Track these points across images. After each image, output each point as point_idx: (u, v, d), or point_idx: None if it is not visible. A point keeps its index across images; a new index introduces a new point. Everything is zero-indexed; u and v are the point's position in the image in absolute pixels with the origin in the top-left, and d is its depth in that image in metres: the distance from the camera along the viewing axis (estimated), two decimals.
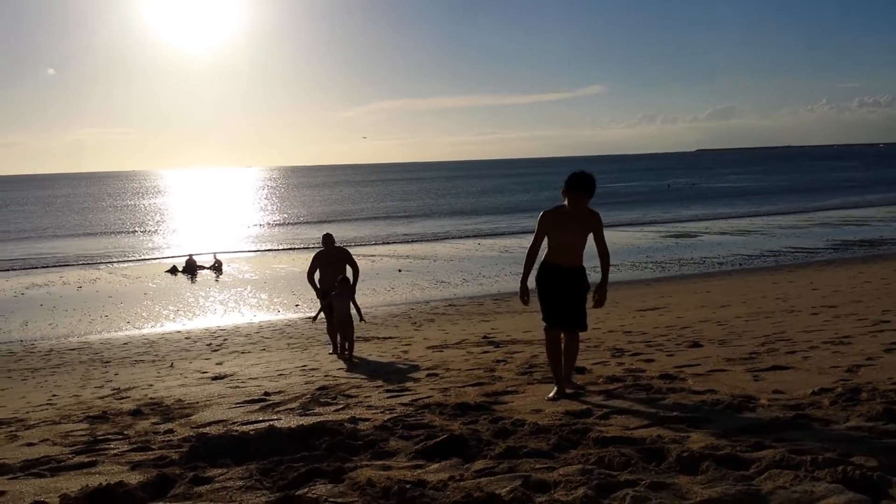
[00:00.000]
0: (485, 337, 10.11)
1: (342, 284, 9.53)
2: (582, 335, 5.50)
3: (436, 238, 34.75)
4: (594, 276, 5.12)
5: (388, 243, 33.15)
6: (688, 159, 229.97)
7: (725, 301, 12.53)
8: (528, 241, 5.57)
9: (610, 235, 5.46)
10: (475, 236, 34.61)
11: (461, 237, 34.63)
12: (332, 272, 10.17)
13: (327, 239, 10.58)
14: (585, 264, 5.42)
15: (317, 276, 10.33)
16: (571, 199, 5.23)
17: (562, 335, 5.44)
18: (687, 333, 8.50)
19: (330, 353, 9.80)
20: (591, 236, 5.38)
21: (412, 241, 33.52)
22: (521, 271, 5.52)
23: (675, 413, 4.12)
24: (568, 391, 5.28)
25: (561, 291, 5.36)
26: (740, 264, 21.08)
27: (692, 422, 3.88)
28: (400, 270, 23.13)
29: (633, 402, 4.62)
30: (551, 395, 5.25)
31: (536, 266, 5.48)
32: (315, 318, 10.56)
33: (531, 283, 5.48)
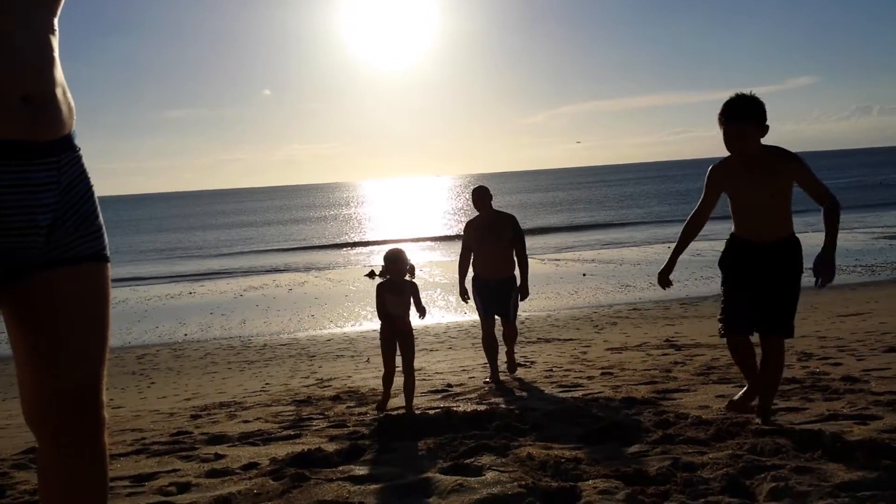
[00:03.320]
0: (667, 340, 10.02)
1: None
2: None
3: (623, 243, 34.24)
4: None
5: (572, 248, 33.15)
6: None
7: None
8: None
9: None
10: (664, 241, 33.69)
11: (650, 242, 33.85)
12: (490, 249, 6.77)
13: (480, 196, 6.91)
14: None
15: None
16: (732, 136, 3.77)
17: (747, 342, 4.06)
18: (887, 339, 7.99)
19: (487, 382, 6.84)
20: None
21: (598, 247, 33.28)
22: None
23: (844, 410, 4.06)
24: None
25: (756, 278, 3.92)
26: None
27: (860, 418, 3.83)
28: (584, 274, 23.12)
29: (805, 401, 4.57)
30: (737, 397, 4.21)
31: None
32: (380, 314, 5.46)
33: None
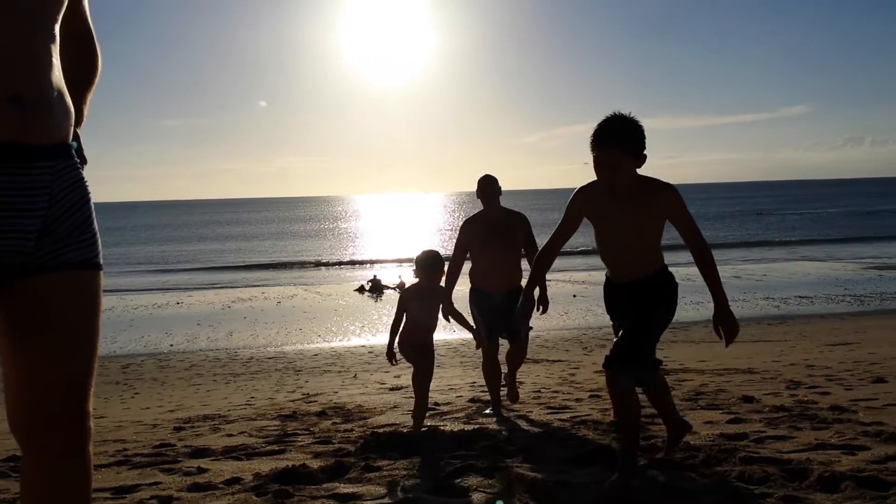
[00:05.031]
0: None
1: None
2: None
3: None
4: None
5: (563, 269, 33.17)
6: None
7: None
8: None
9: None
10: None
11: None
12: (497, 254, 5.61)
13: (487, 185, 5.69)
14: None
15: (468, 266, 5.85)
16: (602, 165, 3.17)
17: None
18: (875, 369, 8.00)
19: (487, 413, 5.88)
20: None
21: (589, 269, 33.30)
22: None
23: (832, 440, 4.06)
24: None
25: (626, 313, 3.45)
26: None
27: (848, 448, 3.82)
28: (575, 296, 23.17)
29: (793, 430, 4.56)
30: None
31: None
32: (391, 354, 5.05)
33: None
